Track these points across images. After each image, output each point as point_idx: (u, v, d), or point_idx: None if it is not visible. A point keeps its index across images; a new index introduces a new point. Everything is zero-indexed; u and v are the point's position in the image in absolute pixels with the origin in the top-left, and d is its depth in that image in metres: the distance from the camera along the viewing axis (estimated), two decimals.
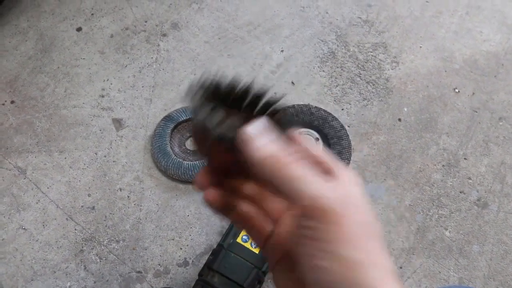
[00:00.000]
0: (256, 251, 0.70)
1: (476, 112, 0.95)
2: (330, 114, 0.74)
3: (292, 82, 0.95)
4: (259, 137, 0.31)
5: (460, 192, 0.87)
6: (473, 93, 0.97)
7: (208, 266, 0.71)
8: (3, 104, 0.91)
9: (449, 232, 0.84)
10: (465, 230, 0.84)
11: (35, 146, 0.87)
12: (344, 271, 0.29)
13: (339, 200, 0.30)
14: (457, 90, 0.97)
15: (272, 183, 0.30)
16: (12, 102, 0.91)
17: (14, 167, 0.85)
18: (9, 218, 0.81)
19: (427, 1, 1.07)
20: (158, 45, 0.98)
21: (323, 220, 0.29)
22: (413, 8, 1.07)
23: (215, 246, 0.79)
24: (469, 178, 0.89)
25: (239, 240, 0.71)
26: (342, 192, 0.30)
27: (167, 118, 0.88)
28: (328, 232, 0.29)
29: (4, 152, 0.86)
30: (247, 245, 0.70)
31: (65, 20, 1.01)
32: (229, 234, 0.72)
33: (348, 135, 0.72)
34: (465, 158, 0.90)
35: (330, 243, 0.29)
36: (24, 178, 0.84)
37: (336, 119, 0.73)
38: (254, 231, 0.36)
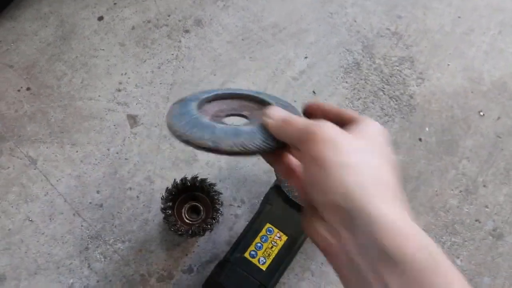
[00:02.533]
0: (263, 267, 0.69)
1: (500, 138, 0.92)
2: None
3: (314, 92, 0.93)
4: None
5: (476, 221, 0.85)
6: (499, 118, 0.94)
7: (213, 279, 0.70)
8: (19, 91, 0.89)
9: (461, 261, 0.82)
10: (477, 260, 0.82)
11: (47, 136, 0.86)
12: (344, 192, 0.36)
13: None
14: (482, 113, 0.94)
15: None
16: (28, 89, 0.90)
17: (25, 156, 0.84)
18: (16, 208, 0.80)
19: (459, 17, 1.03)
20: (180, 41, 0.96)
21: None
22: (444, 22, 1.03)
23: (221, 255, 0.77)
24: (486, 207, 0.86)
25: (246, 255, 0.69)
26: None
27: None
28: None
29: (17, 140, 0.85)
30: (255, 261, 0.69)
31: (87, 7, 0.98)
32: (237, 248, 0.70)
33: None
34: (484, 186, 0.88)
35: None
36: (35, 169, 0.83)
37: None
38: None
